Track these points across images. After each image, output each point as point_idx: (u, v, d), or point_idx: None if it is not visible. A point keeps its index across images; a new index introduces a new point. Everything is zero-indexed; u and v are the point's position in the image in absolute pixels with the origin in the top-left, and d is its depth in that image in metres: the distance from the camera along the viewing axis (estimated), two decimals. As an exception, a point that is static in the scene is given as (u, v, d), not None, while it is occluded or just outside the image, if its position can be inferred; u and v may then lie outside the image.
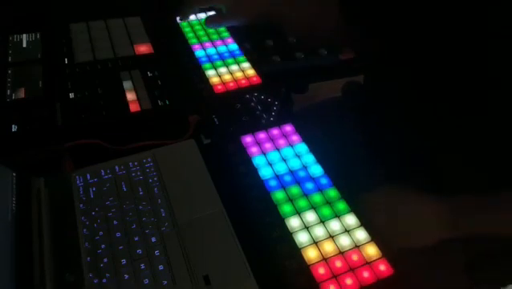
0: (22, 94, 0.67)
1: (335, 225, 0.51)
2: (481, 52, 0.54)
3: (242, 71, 0.73)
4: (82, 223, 0.51)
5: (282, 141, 0.61)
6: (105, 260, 0.48)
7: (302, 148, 0.61)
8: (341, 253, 0.49)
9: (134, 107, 0.66)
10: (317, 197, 0.54)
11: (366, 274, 0.47)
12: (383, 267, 0.48)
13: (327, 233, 0.51)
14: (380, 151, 0.69)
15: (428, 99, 0.63)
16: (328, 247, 0.49)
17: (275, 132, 0.63)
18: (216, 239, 0.50)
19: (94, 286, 0.46)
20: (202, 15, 0.86)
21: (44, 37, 0.79)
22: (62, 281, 0.47)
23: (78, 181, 0.55)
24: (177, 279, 0.47)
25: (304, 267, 0.48)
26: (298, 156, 0.60)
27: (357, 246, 0.50)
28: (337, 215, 0.53)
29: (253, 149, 0.60)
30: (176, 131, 0.63)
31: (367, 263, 0.48)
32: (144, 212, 0.53)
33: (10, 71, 0.71)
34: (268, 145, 0.61)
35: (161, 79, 0.72)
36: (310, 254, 0.49)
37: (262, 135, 0.62)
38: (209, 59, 0.76)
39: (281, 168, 0.58)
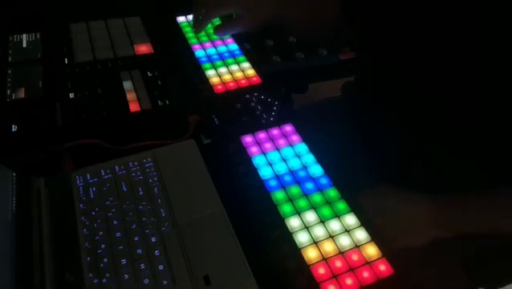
0: (22, 94, 0.67)
1: (335, 225, 0.51)
2: (474, 53, 0.54)
3: (242, 71, 0.73)
4: (82, 223, 0.51)
5: (282, 141, 0.61)
6: (105, 260, 0.48)
7: (302, 148, 0.61)
8: (341, 253, 0.49)
9: (134, 107, 0.66)
10: (317, 197, 0.54)
11: (366, 274, 0.47)
12: (383, 267, 0.48)
13: (327, 233, 0.51)
14: (380, 151, 0.69)
15: (426, 100, 0.63)
16: (328, 247, 0.49)
17: (275, 132, 0.63)
18: (216, 239, 0.50)
19: (94, 286, 0.46)
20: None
21: (44, 37, 0.79)
22: (63, 281, 0.47)
23: (78, 181, 0.55)
24: (177, 279, 0.47)
25: (304, 267, 0.48)
26: (298, 156, 0.60)
27: (357, 246, 0.50)
28: (337, 215, 0.53)
29: (253, 149, 0.60)
30: (176, 131, 0.63)
31: (367, 263, 0.48)
32: (144, 212, 0.53)
33: (10, 71, 0.71)
34: (268, 145, 0.61)
35: (161, 79, 0.72)
36: (310, 254, 0.49)
37: (262, 135, 0.62)
38: (209, 59, 0.76)
39: (281, 168, 0.58)
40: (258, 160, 0.59)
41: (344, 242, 0.50)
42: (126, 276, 0.47)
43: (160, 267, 0.48)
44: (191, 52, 0.77)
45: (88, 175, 0.56)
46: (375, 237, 0.50)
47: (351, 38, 0.75)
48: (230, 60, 0.75)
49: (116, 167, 0.57)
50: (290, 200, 0.54)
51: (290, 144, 0.61)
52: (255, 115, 0.66)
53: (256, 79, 0.72)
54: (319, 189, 0.55)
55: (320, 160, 0.59)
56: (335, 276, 0.47)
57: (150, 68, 0.73)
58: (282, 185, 0.56)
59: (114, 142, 0.61)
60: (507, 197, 0.52)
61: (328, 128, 0.73)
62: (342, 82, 0.84)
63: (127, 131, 0.63)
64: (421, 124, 0.63)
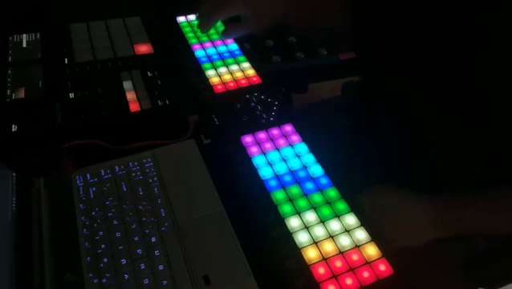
0: (22, 94, 0.67)
1: (335, 225, 0.51)
2: (474, 53, 0.54)
3: (242, 71, 0.73)
4: (82, 223, 0.51)
5: (282, 141, 0.61)
6: (105, 260, 0.48)
7: (302, 148, 0.61)
8: (341, 253, 0.49)
9: (134, 107, 0.66)
10: (317, 197, 0.54)
11: (366, 274, 0.47)
12: (383, 267, 0.48)
13: (327, 233, 0.51)
14: (380, 151, 0.69)
15: (427, 100, 0.63)
16: (328, 247, 0.49)
17: (275, 132, 0.63)
18: (216, 239, 0.50)
19: (94, 286, 0.46)
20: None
21: (44, 37, 0.79)
22: (62, 281, 0.47)
23: (78, 181, 0.55)
24: (177, 279, 0.47)
25: (304, 267, 0.48)
26: (298, 156, 0.60)
27: (357, 246, 0.50)
28: (337, 215, 0.53)
29: (253, 149, 0.60)
30: (176, 131, 0.63)
31: (367, 263, 0.48)
32: (144, 212, 0.53)
33: (10, 71, 0.71)
34: (268, 145, 0.61)
35: (161, 79, 0.72)
36: (310, 254, 0.49)
37: (262, 135, 0.62)
38: (209, 59, 0.76)
39: (281, 168, 0.58)
40: (258, 161, 0.59)
41: (344, 242, 0.50)
42: (126, 276, 0.47)
43: (160, 267, 0.48)
44: (191, 52, 0.77)
45: (88, 175, 0.56)
46: (375, 237, 0.50)
47: (356, 37, 0.75)
48: (230, 60, 0.75)
49: (116, 167, 0.57)
50: (290, 200, 0.54)
51: (290, 144, 0.61)
52: (255, 115, 0.66)
53: (256, 79, 0.72)
54: (319, 189, 0.55)
55: (320, 160, 0.59)
56: (335, 276, 0.47)
57: (150, 68, 0.73)
58: (282, 185, 0.56)
59: (114, 142, 0.61)
60: (507, 197, 0.52)
61: (328, 128, 0.73)
62: (342, 82, 0.84)
63: (127, 131, 0.63)
64: (422, 123, 0.63)
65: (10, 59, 0.74)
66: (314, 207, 0.53)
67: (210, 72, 0.72)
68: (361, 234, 0.51)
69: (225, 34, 0.79)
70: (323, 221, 0.52)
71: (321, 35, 0.77)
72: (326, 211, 0.53)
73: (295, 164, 0.58)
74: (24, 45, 0.77)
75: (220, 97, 0.69)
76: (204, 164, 0.58)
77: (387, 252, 0.49)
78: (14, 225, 0.47)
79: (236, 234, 0.51)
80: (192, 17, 0.86)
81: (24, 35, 0.79)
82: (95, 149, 0.60)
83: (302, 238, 0.50)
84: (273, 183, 0.56)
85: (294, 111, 0.71)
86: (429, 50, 0.61)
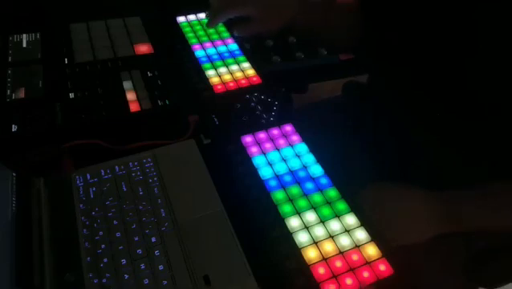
0: (22, 94, 0.67)
1: (335, 225, 0.51)
2: (474, 53, 0.54)
3: (242, 71, 0.73)
4: (82, 223, 0.51)
5: (282, 141, 0.61)
6: (105, 260, 0.48)
7: (302, 148, 0.61)
8: (341, 253, 0.49)
9: (134, 107, 0.66)
10: (317, 197, 0.54)
11: (366, 274, 0.47)
12: (383, 267, 0.48)
13: (327, 233, 0.51)
14: (380, 150, 0.69)
15: (428, 99, 0.63)
16: (328, 247, 0.49)
17: (275, 132, 0.63)
18: (216, 239, 0.50)
19: (94, 286, 0.46)
20: (202, 15, 0.86)
21: (44, 37, 0.79)
22: (62, 281, 0.47)
23: (78, 181, 0.55)
24: (177, 279, 0.47)
25: (304, 267, 0.48)
26: (298, 156, 0.60)
27: (357, 246, 0.50)
28: (337, 215, 0.53)
29: (253, 149, 0.60)
30: (176, 131, 0.63)
31: (367, 263, 0.48)
32: (144, 212, 0.53)
33: (10, 71, 0.71)
34: (268, 145, 0.61)
35: (161, 79, 0.72)
36: (310, 254, 0.49)
37: (262, 135, 0.62)
38: (209, 59, 0.76)
39: (281, 168, 0.58)
40: (258, 161, 0.59)
41: (344, 242, 0.50)
42: (126, 276, 0.47)
43: (160, 267, 0.48)
44: (191, 52, 0.77)
45: (88, 175, 0.56)
46: (375, 237, 0.50)
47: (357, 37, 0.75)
48: (230, 60, 0.75)
49: (116, 167, 0.57)
50: (290, 200, 0.54)
51: (290, 144, 0.61)
52: (255, 115, 0.66)
53: (256, 79, 0.72)
54: (319, 189, 0.55)
55: (320, 160, 0.59)
56: (335, 276, 0.47)
57: (150, 68, 0.73)
58: (282, 185, 0.56)
59: (114, 142, 0.61)
60: (507, 194, 0.52)
61: (328, 128, 0.73)
62: (342, 82, 0.84)
63: (127, 131, 0.63)
64: (422, 123, 0.63)
65: (10, 59, 0.74)
66: (314, 207, 0.53)
67: (210, 72, 0.72)
68: (361, 234, 0.51)
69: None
70: (323, 221, 0.52)
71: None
72: (326, 211, 0.53)
73: (295, 164, 0.58)
74: (24, 45, 0.77)
75: (220, 97, 0.69)
76: (204, 164, 0.58)
77: (387, 252, 0.49)
78: (14, 225, 0.47)
79: (236, 234, 0.51)
80: (192, 17, 0.86)
81: (24, 35, 0.79)
82: (95, 149, 0.60)
83: (302, 238, 0.50)
84: (273, 183, 0.56)
85: (294, 111, 0.71)
86: (429, 50, 0.61)
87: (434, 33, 0.60)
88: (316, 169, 0.58)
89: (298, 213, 0.53)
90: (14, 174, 0.51)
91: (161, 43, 0.79)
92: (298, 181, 0.56)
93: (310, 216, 0.52)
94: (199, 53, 0.77)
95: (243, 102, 0.68)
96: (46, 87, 0.68)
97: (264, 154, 0.60)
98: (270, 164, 0.58)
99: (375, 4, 0.69)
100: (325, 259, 0.48)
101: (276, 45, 0.79)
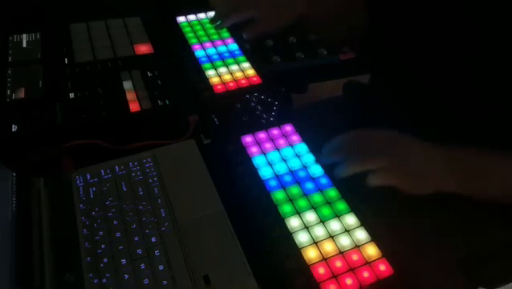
0: (22, 94, 0.67)
1: (335, 225, 0.51)
2: (474, 53, 0.54)
3: (242, 71, 0.73)
4: (82, 223, 0.51)
5: (282, 141, 0.61)
6: (105, 260, 0.48)
7: (302, 148, 0.61)
8: (341, 253, 0.49)
9: (134, 107, 0.66)
10: (317, 197, 0.54)
11: (366, 274, 0.47)
12: (383, 267, 0.48)
13: (327, 233, 0.51)
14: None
15: (429, 100, 0.63)
16: (328, 247, 0.49)
17: (275, 132, 0.63)
18: (216, 239, 0.50)
19: (94, 286, 0.46)
20: (202, 15, 0.86)
21: (44, 37, 0.79)
22: (62, 281, 0.47)
23: (78, 181, 0.55)
24: (177, 279, 0.47)
25: (304, 267, 0.48)
26: (298, 156, 0.60)
27: (357, 246, 0.50)
28: (337, 215, 0.53)
29: (253, 149, 0.60)
30: (176, 131, 0.63)
31: (367, 263, 0.48)
32: (144, 212, 0.53)
33: (10, 71, 0.71)
34: (268, 145, 0.61)
35: (161, 79, 0.72)
36: (310, 254, 0.49)
37: (262, 135, 0.62)
38: (209, 59, 0.76)
39: (281, 168, 0.58)
40: (258, 161, 0.59)
41: (344, 242, 0.50)
42: (126, 276, 0.47)
43: (160, 267, 0.48)
44: (191, 52, 0.77)
45: (88, 175, 0.56)
46: (375, 237, 0.50)
47: (360, 37, 0.75)
48: (230, 60, 0.75)
49: (116, 167, 0.57)
50: (290, 200, 0.54)
51: (290, 144, 0.61)
52: (255, 115, 0.66)
53: (256, 79, 0.72)
54: (319, 189, 0.55)
55: (320, 160, 0.59)
56: (335, 276, 0.47)
57: (150, 68, 0.73)
58: (282, 185, 0.56)
59: (114, 142, 0.61)
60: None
61: (328, 128, 0.73)
62: (342, 82, 0.84)
63: (127, 131, 0.63)
64: (422, 123, 0.63)
65: (10, 59, 0.74)
66: (314, 207, 0.53)
67: (210, 72, 0.72)
68: (361, 234, 0.51)
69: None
70: (323, 221, 0.52)
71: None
72: (326, 211, 0.53)
73: (295, 164, 0.58)
74: (24, 45, 0.77)
75: (220, 97, 0.69)
76: (204, 164, 0.58)
77: (387, 252, 0.49)
78: (14, 225, 0.47)
79: (236, 234, 0.51)
80: (192, 17, 0.86)
81: (24, 35, 0.79)
82: (95, 149, 0.60)
83: (302, 238, 0.50)
84: (273, 183, 0.56)
85: (294, 111, 0.71)
86: (429, 50, 0.61)
87: (434, 33, 0.60)
88: (316, 169, 0.58)
89: (298, 213, 0.53)
90: (14, 174, 0.51)
91: (161, 43, 0.79)
92: (298, 181, 0.56)
93: (310, 216, 0.52)
94: (199, 53, 0.77)
95: (243, 102, 0.68)
96: (46, 87, 0.68)
97: (264, 154, 0.60)
98: (270, 164, 0.58)
99: (377, 4, 0.69)
100: (325, 259, 0.48)
101: (276, 45, 0.79)
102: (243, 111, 0.66)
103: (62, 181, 0.56)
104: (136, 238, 0.50)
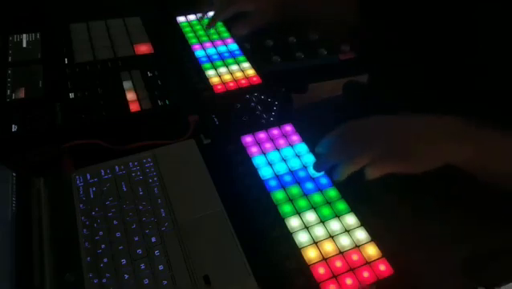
0: (22, 94, 0.67)
1: (335, 225, 0.51)
2: (474, 50, 0.54)
3: (242, 71, 0.73)
4: (82, 223, 0.51)
5: (282, 141, 0.61)
6: (105, 260, 0.48)
7: (302, 148, 0.61)
8: (341, 253, 0.49)
9: (134, 107, 0.66)
10: (317, 197, 0.54)
11: (366, 274, 0.47)
12: (383, 267, 0.48)
13: (327, 233, 0.51)
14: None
15: (429, 99, 0.63)
16: (328, 247, 0.49)
17: (275, 132, 0.63)
18: (216, 239, 0.50)
19: (94, 286, 0.46)
20: (202, 15, 0.86)
21: (44, 37, 0.79)
22: (62, 281, 0.47)
23: (78, 181, 0.55)
24: (177, 279, 0.47)
25: (304, 267, 0.48)
26: (298, 156, 0.60)
27: (357, 246, 0.50)
28: (337, 215, 0.53)
29: (253, 149, 0.60)
30: (176, 131, 0.63)
31: (367, 263, 0.48)
32: (144, 212, 0.53)
33: (10, 71, 0.71)
34: (268, 145, 0.61)
35: (161, 79, 0.72)
36: (310, 254, 0.49)
37: (262, 135, 0.62)
38: (209, 59, 0.76)
39: (281, 168, 0.58)
40: (258, 161, 0.59)
41: (344, 242, 0.50)
42: (126, 276, 0.47)
43: (160, 267, 0.48)
44: (191, 52, 0.77)
45: (88, 175, 0.56)
46: (375, 237, 0.50)
47: (357, 37, 0.75)
48: (230, 60, 0.75)
49: (116, 167, 0.57)
50: (290, 200, 0.54)
51: (290, 144, 0.61)
52: (255, 115, 0.66)
53: (256, 79, 0.72)
54: (319, 189, 0.55)
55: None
56: (335, 276, 0.47)
57: (150, 68, 0.73)
58: (282, 185, 0.56)
59: (114, 142, 0.61)
60: None
61: (328, 128, 0.73)
62: (342, 82, 0.84)
63: (127, 131, 0.63)
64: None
65: (10, 59, 0.74)
66: (314, 207, 0.53)
67: (210, 72, 0.72)
68: (361, 234, 0.51)
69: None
70: (323, 221, 0.52)
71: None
72: (326, 211, 0.53)
73: (295, 164, 0.58)
74: (24, 45, 0.77)
75: (220, 97, 0.69)
76: (204, 164, 0.58)
77: (387, 252, 0.49)
78: (14, 225, 0.47)
79: (236, 234, 0.51)
80: (192, 17, 0.86)
81: (24, 35, 0.79)
82: (95, 149, 0.60)
83: (302, 238, 0.50)
84: (273, 183, 0.56)
85: (294, 111, 0.71)
86: (429, 50, 0.61)
87: (434, 33, 0.60)
88: (316, 169, 0.58)
89: (298, 213, 0.53)
90: (14, 174, 0.51)
91: (161, 43, 0.79)
92: (298, 181, 0.56)
93: (310, 216, 0.52)
94: (199, 53, 0.77)
95: (243, 102, 0.68)
96: (46, 87, 0.68)
97: (264, 154, 0.60)
98: (270, 164, 0.58)
99: (376, 4, 0.69)
100: (325, 259, 0.48)
101: (276, 45, 0.79)
102: (243, 111, 0.66)
103: (62, 181, 0.55)
104: (136, 238, 0.50)
